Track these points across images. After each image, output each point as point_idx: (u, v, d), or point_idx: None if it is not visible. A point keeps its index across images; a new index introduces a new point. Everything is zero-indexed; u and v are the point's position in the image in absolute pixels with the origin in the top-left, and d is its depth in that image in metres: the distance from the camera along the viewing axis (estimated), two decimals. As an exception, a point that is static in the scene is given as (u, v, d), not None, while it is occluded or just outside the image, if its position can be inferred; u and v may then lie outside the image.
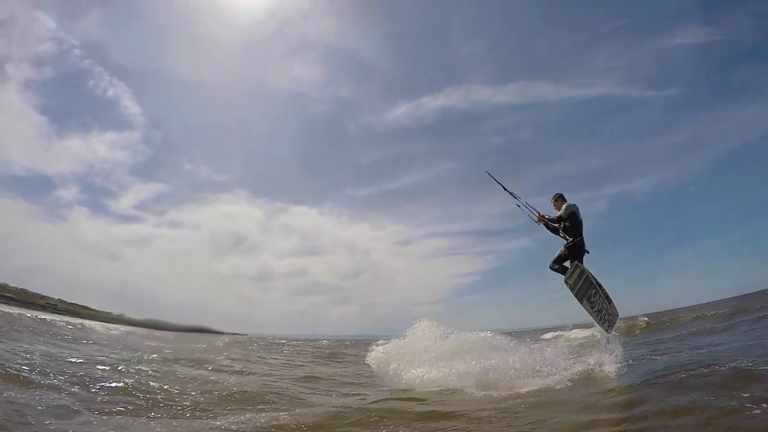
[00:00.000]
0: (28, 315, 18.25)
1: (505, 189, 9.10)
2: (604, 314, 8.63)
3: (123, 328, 22.83)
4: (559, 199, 9.15)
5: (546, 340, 22.42)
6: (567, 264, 8.76)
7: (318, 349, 21.28)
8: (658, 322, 22.95)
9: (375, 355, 9.82)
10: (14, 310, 19.42)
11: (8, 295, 35.57)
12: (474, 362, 8.33)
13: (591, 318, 8.68)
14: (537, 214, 9.02)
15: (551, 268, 8.91)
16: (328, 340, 28.32)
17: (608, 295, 8.67)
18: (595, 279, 8.58)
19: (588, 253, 8.76)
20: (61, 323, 17.91)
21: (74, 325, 18.27)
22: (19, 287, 38.42)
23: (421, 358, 8.94)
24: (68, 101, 72.26)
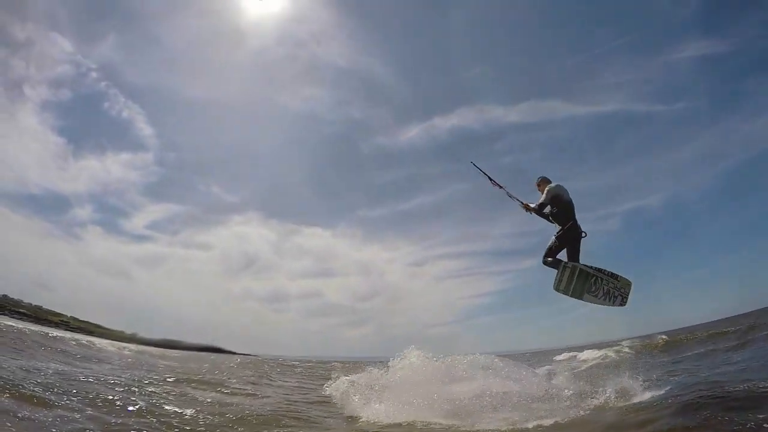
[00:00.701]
0: (42, 332, 18.43)
1: (490, 179, 8.74)
2: (612, 293, 8.13)
3: (135, 347, 22.90)
4: (543, 182, 8.56)
5: (559, 361, 22.18)
6: (565, 260, 8.29)
7: (330, 371, 21.16)
8: (676, 340, 22.53)
9: (339, 386, 9.22)
10: (28, 326, 19.62)
11: (22, 311, 35.91)
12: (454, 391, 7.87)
13: (599, 304, 8.23)
14: (521, 204, 8.58)
15: (544, 263, 8.37)
16: (341, 361, 28.10)
17: (612, 273, 8.17)
18: (590, 267, 8.13)
19: (585, 235, 8.20)
20: (74, 341, 18.04)
21: (87, 343, 18.38)
22: (34, 303, 38.85)
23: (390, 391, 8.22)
24: (84, 122, 73.77)
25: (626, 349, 21.80)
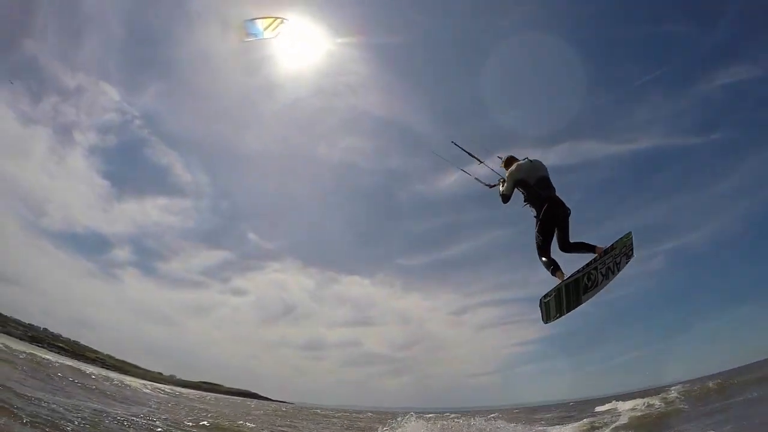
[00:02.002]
0: (79, 369, 18.33)
1: (471, 155, 7.79)
2: (615, 263, 6.84)
3: (169, 388, 22.56)
4: (509, 161, 7.33)
5: (600, 413, 20.48)
6: (560, 266, 7.00)
7: (366, 423, 20.03)
8: (728, 384, 20.37)
9: None
10: (65, 361, 19.64)
11: (60, 345, 36.46)
12: None
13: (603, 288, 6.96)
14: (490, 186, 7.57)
15: (541, 261, 7.05)
16: (375, 412, 26.86)
17: (607, 248, 6.72)
18: (582, 271, 6.66)
19: (570, 213, 6.92)
20: (110, 380, 17.87)
21: (123, 383, 18.18)
22: (72, 339, 39.50)
23: None
24: (127, 167, 78.22)
25: (674, 395, 19.84)
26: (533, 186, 6.93)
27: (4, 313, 33.36)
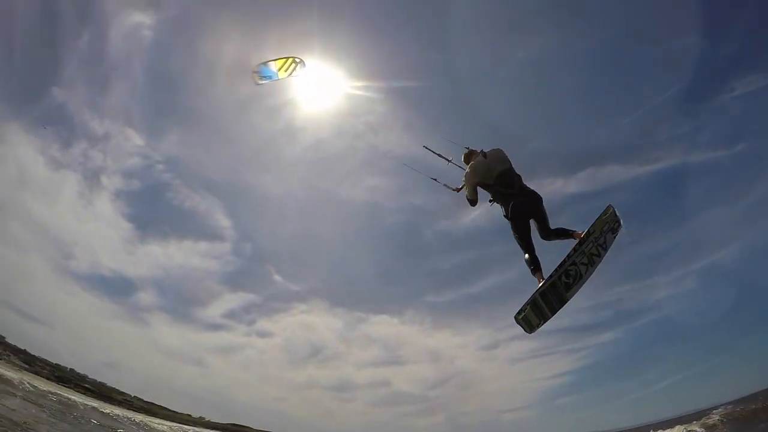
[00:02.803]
0: (106, 411, 18.33)
1: (440, 156, 7.32)
2: (599, 243, 6.18)
3: (198, 430, 22.32)
4: (467, 157, 6.77)
5: None
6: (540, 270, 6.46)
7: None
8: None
9: None
10: (92, 402, 19.64)
11: (87, 386, 36.56)
12: None
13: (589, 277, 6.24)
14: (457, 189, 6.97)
15: (524, 259, 6.52)
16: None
17: (585, 234, 6.16)
18: (557, 272, 6.14)
19: (541, 200, 6.38)
20: (138, 423, 17.79)
21: (151, 426, 18.09)
22: (98, 380, 39.64)
23: None
24: (152, 211, 79.93)
25: (716, 419, 18.69)
26: (494, 186, 6.51)
27: (33, 352, 33.89)
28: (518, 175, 6.63)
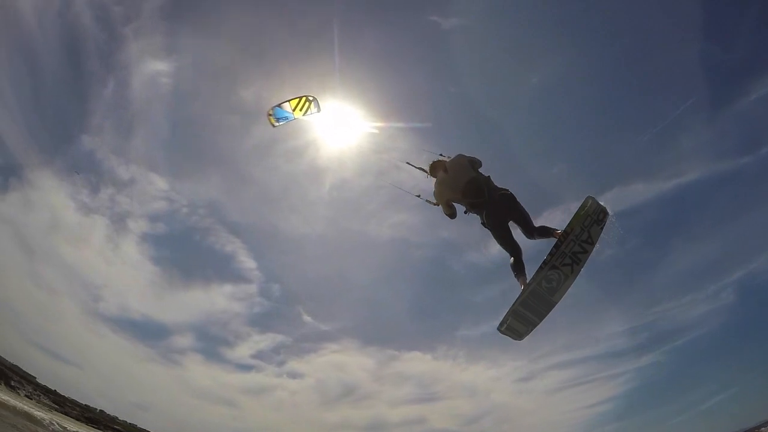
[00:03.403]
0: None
1: (422, 170, 7.04)
2: (582, 240, 5.81)
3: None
4: (432, 170, 6.57)
5: None
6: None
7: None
8: None
9: None
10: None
11: (117, 427, 36.67)
12: None
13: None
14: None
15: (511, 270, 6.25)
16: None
17: (563, 234, 5.86)
18: (535, 279, 5.85)
19: (512, 197, 6.13)
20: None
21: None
22: (129, 421, 39.75)
23: None
24: (178, 254, 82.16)
25: None
26: (464, 198, 6.40)
27: (63, 392, 34.45)
28: (486, 177, 6.49)
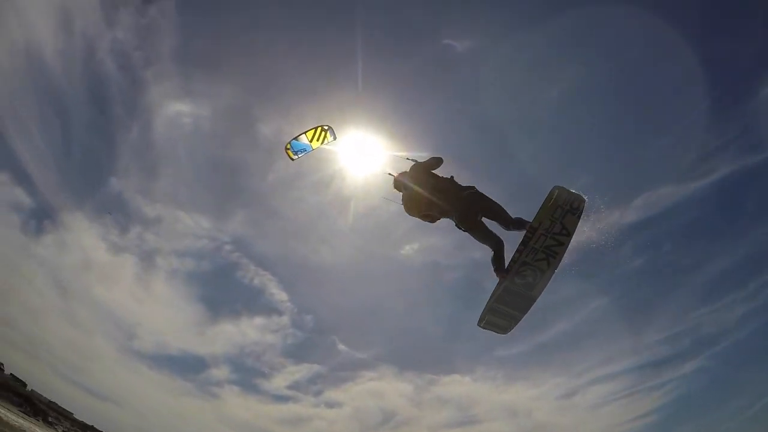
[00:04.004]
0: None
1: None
2: (554, 233, 5.49)
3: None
4: (396, 186, 6.37)
5: None
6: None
7: None
8: None
9: None
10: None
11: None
12: None
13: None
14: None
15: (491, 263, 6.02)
16: None
17: (529, 229, 5.65)
18: (507, 279, 5.65)
19: (479, 194, 5.92)
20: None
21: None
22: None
23: None
24: (217, 290, 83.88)
25: None
26: (430, 210, 6.24)
27: (100, 428, 34.93)
28: (447, 179, 6.30)
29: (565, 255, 5.77)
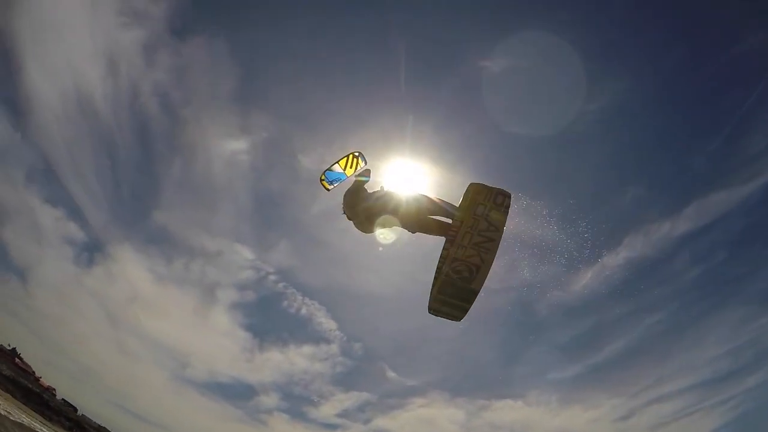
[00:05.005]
0: None
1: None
2: (481, 229, 5.57)
3: None
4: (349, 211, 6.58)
5: None
6: None
7: None
8: None
9: None
10: None
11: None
12: None
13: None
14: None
15: None
16: None
17: (451, 231, 5.87)
18: (442, 271, 5.91)
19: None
20: None
21: None
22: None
23: None
24: (268, 319, 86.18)
25: None
26: (374, 225, 6.61)
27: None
28: (371, 194, 6.66)
29: (498, 249, 5.89)
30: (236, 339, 76.43)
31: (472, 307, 6.27)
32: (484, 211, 5.89)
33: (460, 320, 6.39)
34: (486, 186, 5.92)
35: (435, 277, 6.12)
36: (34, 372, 42.82)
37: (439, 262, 6.08)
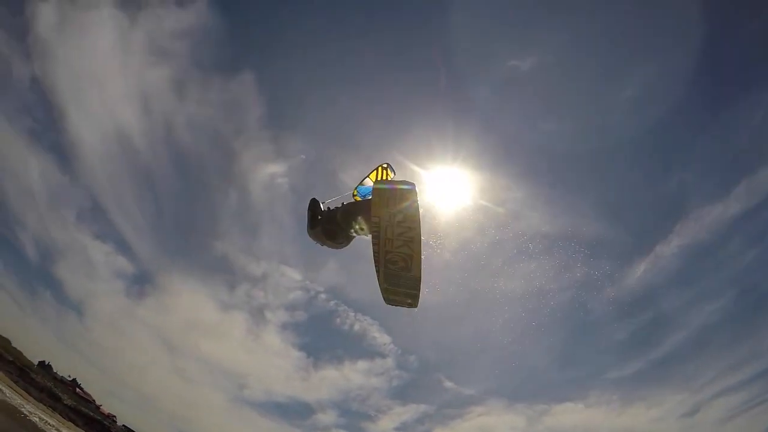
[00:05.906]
0: None
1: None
2: (398, 232, 6.02)
3: None
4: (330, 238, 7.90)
5: None
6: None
7: None
8: None
9: None
10: None
11: None
12: None
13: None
14: None
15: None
16: None
17: (374, 242, 6.34)
18: (378, 265, 6.40)
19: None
20: None
21: None
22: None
23: None
24: (321, 337, 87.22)
25: None
26: (336, 242, 7.68)
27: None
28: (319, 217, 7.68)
29: (422, 238, 6.05)
30: (290, 359, 77.52)
31: (420, 292, 6.56)
32: (396, 208, 6.14)
33: (415, 306, 6.69)
34: (384, 182, 6.53)
35: (376, 271, 6.47)
36: (94, 401, 44.66)
37: (374, 257, 6.43)
